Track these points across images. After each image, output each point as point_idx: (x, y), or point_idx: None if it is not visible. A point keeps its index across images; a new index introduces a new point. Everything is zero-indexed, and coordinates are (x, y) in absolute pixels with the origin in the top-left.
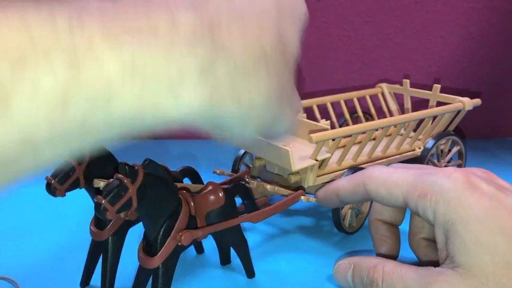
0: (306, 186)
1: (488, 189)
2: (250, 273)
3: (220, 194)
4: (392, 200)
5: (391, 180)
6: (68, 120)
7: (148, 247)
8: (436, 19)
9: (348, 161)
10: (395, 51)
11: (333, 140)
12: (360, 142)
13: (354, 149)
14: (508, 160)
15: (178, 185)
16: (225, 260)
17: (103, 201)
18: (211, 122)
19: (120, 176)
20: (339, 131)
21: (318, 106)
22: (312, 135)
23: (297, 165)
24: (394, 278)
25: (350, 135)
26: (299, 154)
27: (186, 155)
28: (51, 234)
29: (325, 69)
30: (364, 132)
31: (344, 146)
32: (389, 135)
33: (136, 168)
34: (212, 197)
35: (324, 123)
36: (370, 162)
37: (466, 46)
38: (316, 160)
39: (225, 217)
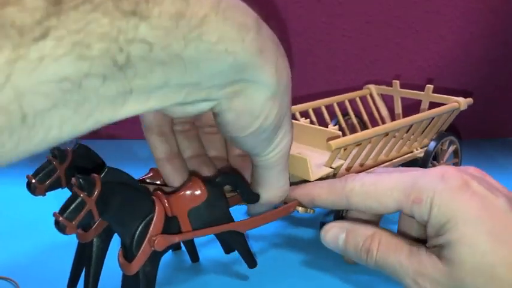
0: None
1: (479, 189)
2: (250, 263)
3: (201, 189)
4: (381, 209)
5: (379, 190)
6: None
7: (125, 253)
8: (436, 19)
9: (356, 167)
10: (396, 51)
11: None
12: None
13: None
14: (504, 160)
15: (151, 186)
16: (227, 249)
17: (60, 218)
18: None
19: (75, 189)
20: (358, 136)
21: (314, 110)
22: (331, 142)
23: (314, 174)
24: (390, 250)
25: (369, 140)
26: (312, 162)
27: None
28: (52, 234)
29: (325, 69)
30: (371, 137)
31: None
32: (393, 137)
33: (92, 179)
34: (191, 193)
35: (332, 128)
36: (376, 166)
37: (466, 46)
38: (332, 168)
39: (210, 213)
